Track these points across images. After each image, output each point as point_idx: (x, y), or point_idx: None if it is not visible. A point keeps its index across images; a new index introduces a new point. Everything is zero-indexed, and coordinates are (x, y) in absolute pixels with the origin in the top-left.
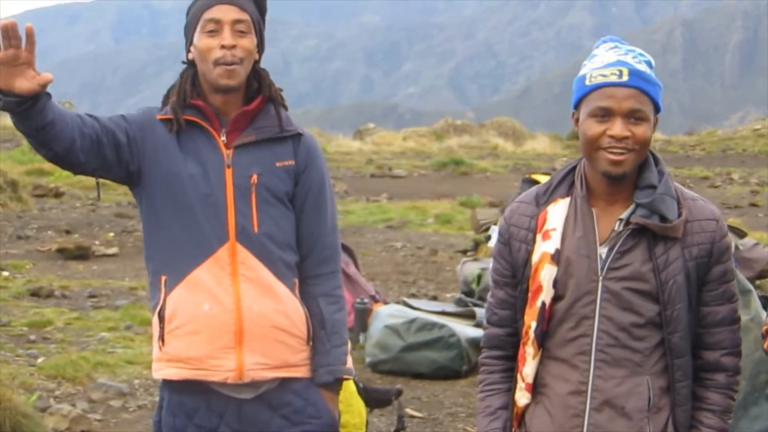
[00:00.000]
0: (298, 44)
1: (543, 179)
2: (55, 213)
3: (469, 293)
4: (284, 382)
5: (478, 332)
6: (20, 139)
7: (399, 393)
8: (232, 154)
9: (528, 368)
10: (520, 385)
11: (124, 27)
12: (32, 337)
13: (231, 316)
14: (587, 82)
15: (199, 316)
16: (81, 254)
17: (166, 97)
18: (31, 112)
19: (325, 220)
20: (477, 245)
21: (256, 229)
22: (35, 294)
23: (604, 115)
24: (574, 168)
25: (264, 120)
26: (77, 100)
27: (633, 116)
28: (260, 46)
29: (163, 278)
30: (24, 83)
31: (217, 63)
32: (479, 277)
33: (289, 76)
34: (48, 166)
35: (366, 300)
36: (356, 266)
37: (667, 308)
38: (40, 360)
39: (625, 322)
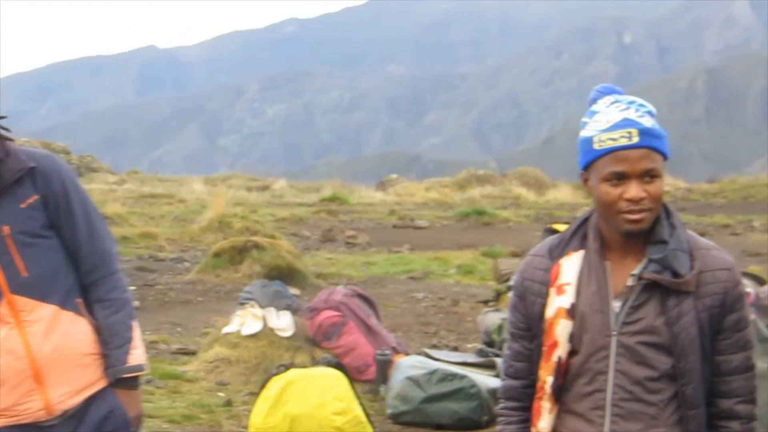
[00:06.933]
0: (322, 95)
1: (564, 228)
2: None
3: (490, 343)
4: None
5: (498, 382)
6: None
7: None
8: None
9: (544, 422)
10: None
11: (147, 80)
12: None
13: (24, 363)
14: (596, 147)
15: None
16: None
17: None
18: None
19: (81, 229)
20: (498, 295)
21: (25, 274)
22: None
23: (619, 178)
24: (587, 219)
25: None
26: (100, 152)
27: (647, 175)
28: None
29: None
30: None
31: None
32: (500, 328)
33: (313, 126)
34: None
35: (387, 351)
36: (377, 317)
37: (680, 361)
38: None
39: (640, 376)
